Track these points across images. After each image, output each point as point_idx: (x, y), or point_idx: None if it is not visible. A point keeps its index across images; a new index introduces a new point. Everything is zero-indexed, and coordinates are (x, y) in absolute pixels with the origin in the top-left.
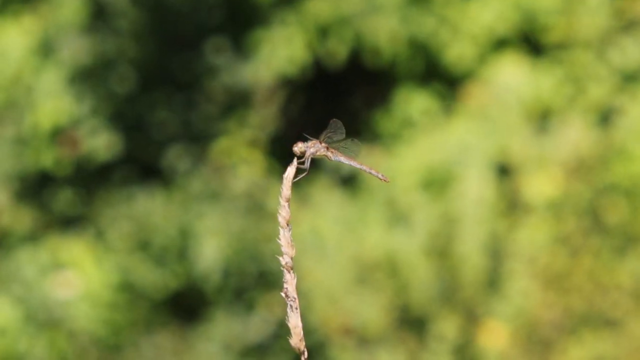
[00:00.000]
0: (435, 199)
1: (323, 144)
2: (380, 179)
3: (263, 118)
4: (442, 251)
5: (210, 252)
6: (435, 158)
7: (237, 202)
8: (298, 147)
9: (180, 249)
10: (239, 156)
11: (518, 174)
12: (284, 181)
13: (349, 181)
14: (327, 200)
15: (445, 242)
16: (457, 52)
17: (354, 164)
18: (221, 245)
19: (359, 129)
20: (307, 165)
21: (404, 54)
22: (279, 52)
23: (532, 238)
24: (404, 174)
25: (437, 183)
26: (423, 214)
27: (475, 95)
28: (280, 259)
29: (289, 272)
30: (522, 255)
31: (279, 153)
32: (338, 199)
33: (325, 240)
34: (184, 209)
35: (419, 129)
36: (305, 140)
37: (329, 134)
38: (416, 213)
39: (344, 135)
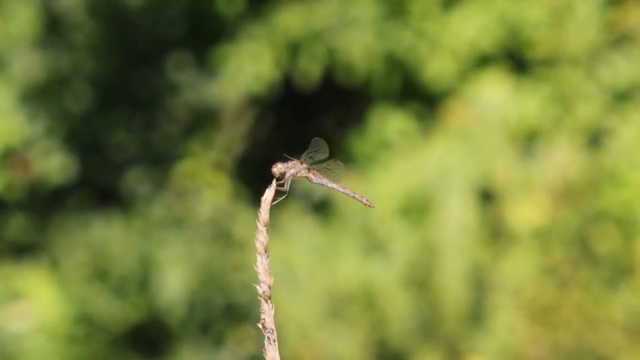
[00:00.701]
0: (414, 226)
1: (304, 165)
2: (365, 204)
3: (229, 139)
4: (421, 282)
5: (174, 283)
6: (413, 182)
7: (202, 229)
8: (277, 168)
9: (141, 280)
10: (203, 180)
11: (502, 200)
12: (263, 204)
13: (322, 207)
14: (298, 227)
15: (425, 272)
16: (437, 68)
17: (337, 187)
18: (185, 275)
19: (332, 151)
20: (287, 187)
21: (380, 70)
22: (246, 69)
23: (517, 269)
24: (380, 199)
25: (416, 209)
26: (401, 242)
27: (456, 115)
28: (258, 287)
29: (267, 302)
30: (507, 287)
31: (246, 176)
32: (310, 226)
33: (296, 270)
34: (145, 236)
35: (395, 151)
36: (285, 160)
37: (310, 154)
38: (394, 241)
39: (327, 155)
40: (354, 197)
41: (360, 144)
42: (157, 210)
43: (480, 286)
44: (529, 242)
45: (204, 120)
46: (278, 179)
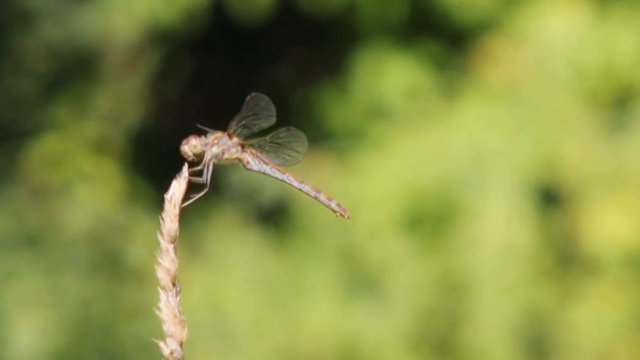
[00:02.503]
0: (427, 249)
1: (235, 140)
2: (336, 213)
3: (118, 101)
4: (441, 343)
5: (27, 338)
6: (427, 174)
7: (74, 250)
8: (191, 145)
9: None
10: (75, 168)
11: (575, 204)
12: (167, 206)
13: (275, 215)
14: (235, 248)
15: (447, 326)
16: None
17: (289, 178)
18: (46, 325)
19: (290, 120)
20: (206, 177)
21: None
22: None
23: (600, 317)
24: (371, 203)
25: (431, 219)
26: (406, 274)
27: (498, 62)
28: (161, 345)
29: None
30: (583, 347)
31: (148, 162)
32: (255, 246)
33: (233, 318)
34: None
35: (397, 122)
36: (202, 134)
37: (244, 121)
38: (394, 273)
39: (272, 121)
40: (316, 199)
41: (338, 110)
42: (0, 220)
43: (539, 347)
44: (619, 273)
45: (75, 70)
46: (192, 164)
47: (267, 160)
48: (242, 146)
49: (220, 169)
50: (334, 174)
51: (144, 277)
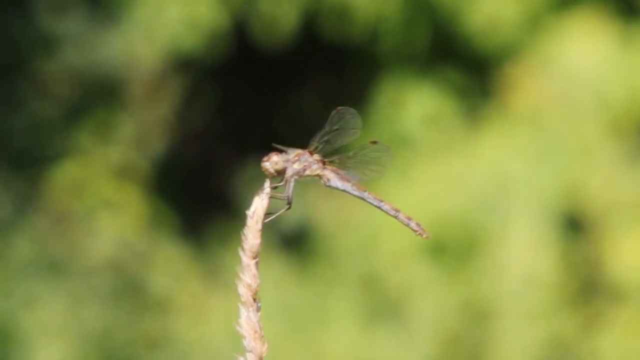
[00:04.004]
0: (451, 276)
1: (315, 156)
2: (415, 232)
3: (141, 127)
4: None
5: None
6: (450, 202)
7: (96, 278)
8: (272, 162)
9: None
10: (98, 195)
11: (598, 232)
12: (249, 222)
13: (296, 242)
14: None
15: (471, 353)
16: (489, 11)
17: (370, 197)
18: (68, 354)
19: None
20: (288, 192)
21: (395, 16)
22: (171, 11)
23: (623, 346)
24: (394, 230)
25: (455, 247)
26: (429, 303)
27: (521, 90)
28: None
29: None
30: None
31: (172, 189)
32: (276, 272)
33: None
34: (1, 289)
35: (420, 149)
36: (280, 151)
37: (328, 136)
38: (417, 301)
39: (357, 135)
40: (395, 217)
41: (360, 138)
42: (21, 247)
43: None
44: None
45: (98, 96)
46: (274, 180)
47: (348, 177)
48: (324, 163)
49: (240, 195)
50: (356, 201)
51: (166, 306)
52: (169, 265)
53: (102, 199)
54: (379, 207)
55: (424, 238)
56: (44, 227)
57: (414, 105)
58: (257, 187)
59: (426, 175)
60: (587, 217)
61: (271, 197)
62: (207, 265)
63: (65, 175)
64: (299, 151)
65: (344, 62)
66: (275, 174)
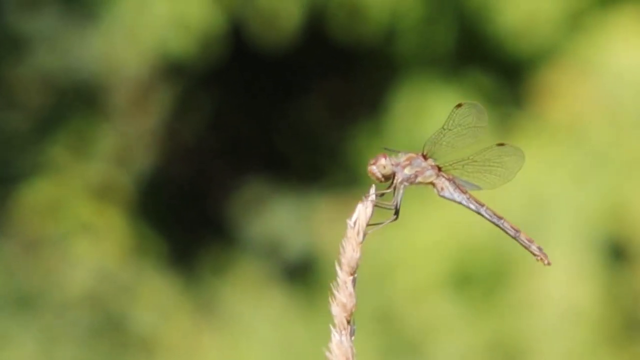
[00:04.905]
0: (478, 312)
1: (430, 161)
2: (536, 257)
3: (125, 141)
4: None
5: None
6: (477, 225)
7: (72, 312)
8: (380, 165)
9: None
10: (75, 218)
11: None
12: (349, 232)
13: (301, 271)
14: (256, 308)
15: None
16: (523, 10)
17: (489, 213)
18: None
19: (318, 162)
20: (397, 201)
21: (415, 14)
22: (158, 9)
23: None
24: (414, 258)
25: (482, 276)
26: (453, 341)
27: (559, 97)
28: None
29: None
30: None
31: (157, 212)
32: (278, 306)
33: None
34: None
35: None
36: (390, 154)
37: (446, 136)
38: (440, 339)
39: (481, 134)
40: (515, 239)
41: (375, 152)
42: None
43: None
44: None
45: (75, 105)
46: (381, 187)
47: (464, 188)
48: (439, 169)
49: (236, 219)
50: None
51: (152, 345)
52: (155, 298)
53: (79, 223)
54: (497, 225)
55: (546, 264)
56: (13, 255)
57: (437, 115)
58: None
59: None
60: (634, 244)
61: (376, 206)
62: (198, 299)
63: (38, 195)
64: (412, 154)
65: (355, 65)
66: (383, 180)
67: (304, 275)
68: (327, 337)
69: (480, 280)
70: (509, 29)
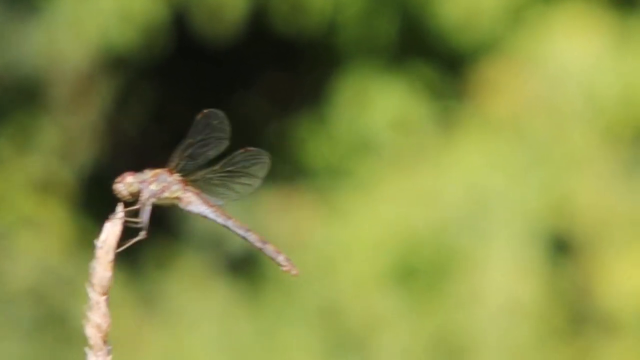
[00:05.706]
0: (422, 305)
1: (175, 176)
2: (282, 268)
3: (67, 134)
4: None
5: None
6: (420, 219)
7: (14, 307)
8: (126, 183)
9: None
10: (16, 212)
11: (589, 254)
12: (99, 253)
13: (245, 264)
14: (199, 302)
15: None
16: (465, 4)
17: (235, 226)
18: None
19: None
20: (144, 218)
21: (354, 6)
22: (101, 3)
23: None
24: (356, 252)
25: (425, 271)
26: (396, 334)
27: (501, 91)
28: None
29: None
30: None
31: (100, 206)
32: (222, 300)
33: None
34: None
35: (386, 158)
36: (139, 170)
37: (190, 149)
38: (383, 333)
39: (224, 146)
40: (261, 251)
41: (318, 144)
42: None
43: None
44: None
45: (15, 98)
46: (128, 204)
47: (210, 202)
48: (185, 183)
49: (181, 213)
50: (313, 217)
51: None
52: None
53: (21, 217)
54: (244, 238)
55: (293, 275)
56: None
57: (380, 106)
58: (110, 213)
59: (393, 188)
60: (576, 238)
61: (125, 224)
62: (142, 293)
63: None
64: (158, 170)
65: (298, 57)
66: (130, 197)
67: (247, 268)
68: (272, 331)
69: (424, 274)
70: (451, 22)
